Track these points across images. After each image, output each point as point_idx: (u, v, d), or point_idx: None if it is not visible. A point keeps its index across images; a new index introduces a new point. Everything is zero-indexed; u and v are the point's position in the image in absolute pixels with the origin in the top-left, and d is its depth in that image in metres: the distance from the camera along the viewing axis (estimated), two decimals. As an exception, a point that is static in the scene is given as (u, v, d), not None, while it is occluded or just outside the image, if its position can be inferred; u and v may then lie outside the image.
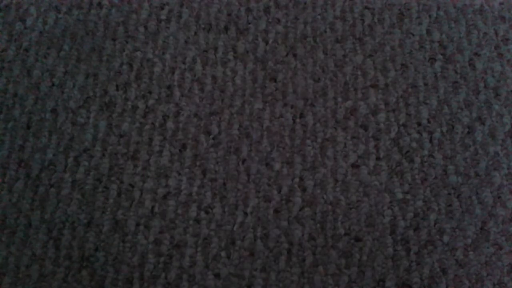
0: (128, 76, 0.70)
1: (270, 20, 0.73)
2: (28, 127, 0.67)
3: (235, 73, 0.70)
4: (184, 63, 0.70)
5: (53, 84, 0.69)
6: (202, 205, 0.63)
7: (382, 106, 0.68)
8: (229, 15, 0.74)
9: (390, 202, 0.63)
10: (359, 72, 0.70)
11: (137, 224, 0.62)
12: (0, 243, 0.61)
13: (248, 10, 0.74)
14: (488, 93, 0.69)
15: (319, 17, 0.73)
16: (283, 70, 0.70)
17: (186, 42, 0.72)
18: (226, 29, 0.73)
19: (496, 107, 0.68)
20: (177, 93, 0.69)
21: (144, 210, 0.63)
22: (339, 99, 0.68)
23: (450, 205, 0.63)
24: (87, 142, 0.66)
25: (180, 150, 0.66)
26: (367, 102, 0.68)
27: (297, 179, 0.64)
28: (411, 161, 0.65)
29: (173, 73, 0.70)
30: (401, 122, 0.67)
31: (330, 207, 0.63)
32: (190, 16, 0.73)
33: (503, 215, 0.62)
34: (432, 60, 0.71)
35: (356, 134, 0.66)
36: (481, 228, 0.62)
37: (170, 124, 0.67)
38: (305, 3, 0.74)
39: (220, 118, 0.67)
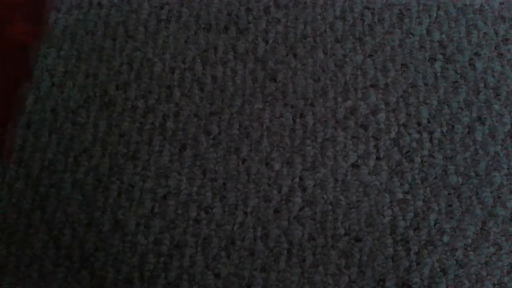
0: (128, 76, 0.70)
1: (270, 20, 0.73)
2: (28, 127, 0.67)
3: (235, 73, 0.70)
4: (184, 63, 0.70)
5: (53, 84, 0.69)
6: (202, 205, 0.63)
7: (382, 106, 0.68)
8: (229, 15, 0.74)
9: (390, 202, 0.63)
10: (359, 72, 0.70)
11: (137, 224, 0.62)
12: (0, 243, 0.61)
13: (248, 10, 0.74)
14: (488, 93, 0.69)
15: (319, 17, 0.73)
16: (283, 70, 0.70)
17: (186, 42, 0.72)
18: (226, 29, 0.73)
19: (496, 107, 0.68)
20: (177, 93, 0.69)
21: (144, 210, 0.63)
22: (339, 99, 0.68)
23: (450, 205, 0.63)
24: (87, 142, 0.66)
25: (180, 150, 0.66)
26: (367, 102, 0.68)
27: (297, 179, 0.64)
28: (411, 161, 0.65)
29: (173, 73, 0.70)
30: (401, 122, 0.67)
31: (330, 207, 0.63)
32: (190, 16, 0.73)
33: (503, 215, 0.62)
34: (432, 60, 0.71)
35: (356, 134, 0.66)
36: (481, 228, 0.62)
37: (170, 124, 0.67)
38: (305, 3, 0.74)
39: (220, 118, 0.67)
